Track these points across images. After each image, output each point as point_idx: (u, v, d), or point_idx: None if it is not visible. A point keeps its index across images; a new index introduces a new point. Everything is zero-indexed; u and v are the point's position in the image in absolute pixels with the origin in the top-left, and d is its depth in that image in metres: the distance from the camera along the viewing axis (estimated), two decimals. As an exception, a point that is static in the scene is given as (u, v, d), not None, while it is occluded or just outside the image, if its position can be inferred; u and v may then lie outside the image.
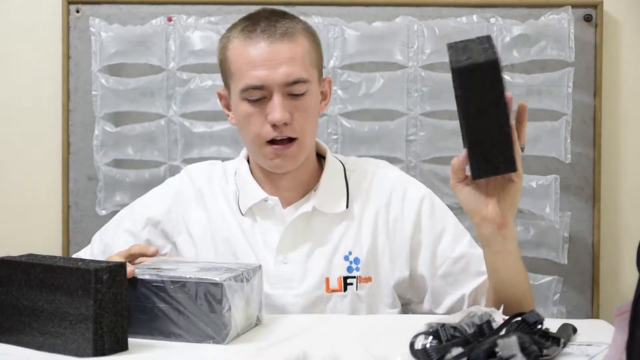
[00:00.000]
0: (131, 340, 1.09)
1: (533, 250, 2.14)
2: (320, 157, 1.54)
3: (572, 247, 2.14)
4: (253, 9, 2.13)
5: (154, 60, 2.14)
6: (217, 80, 2.12)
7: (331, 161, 1.52)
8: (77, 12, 2.18)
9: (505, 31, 2.12)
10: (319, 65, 1.46)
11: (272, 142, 1.40)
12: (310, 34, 1.44)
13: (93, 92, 2.13)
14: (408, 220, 1.48)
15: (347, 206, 1.47)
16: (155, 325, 1.10)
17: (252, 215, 1.48)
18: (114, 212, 2.17)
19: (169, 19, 2.14)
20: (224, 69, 1.44)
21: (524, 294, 1.32)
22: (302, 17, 2.10)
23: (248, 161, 1.53)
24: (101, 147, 2.14)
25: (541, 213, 2.08)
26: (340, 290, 1.43)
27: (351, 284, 1.44)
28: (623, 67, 2.21)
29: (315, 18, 2.13)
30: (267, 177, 1.48)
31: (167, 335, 1.10)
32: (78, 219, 2.20)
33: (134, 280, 1.11)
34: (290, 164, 1.43)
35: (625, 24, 2.20)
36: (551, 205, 2.07)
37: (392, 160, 2.12)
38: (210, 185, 1.52)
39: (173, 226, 1.51)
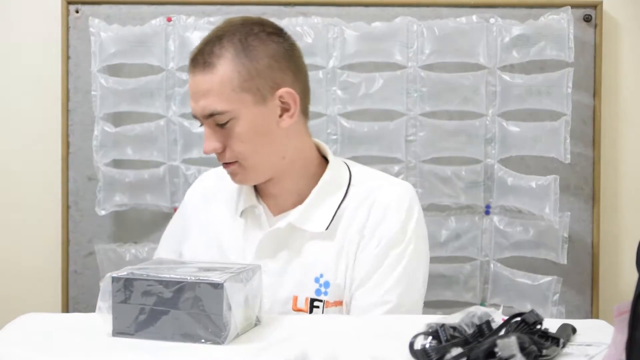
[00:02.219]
0: (131, 341, 1.09)
1: (532, 250, 2.14)
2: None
3: (572, 247, 2.14)
4: (253, 9, 2.15)
5: (154, 61, 2.14)
6: (216, 80, 2.13)
7: (334, 172, 1.46)
8: (77, 12, 2.18)
9: (504, 31, 2.12)
10: (259, 83, 1.37)
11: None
12: (244, 52, 1.36)
13: (92, 92, 2.13)
14: (372, 246, 1.42)
15: (327, 227, 1.42)
16: (155, 325, 1.10)
17: (246, 218, 1.49)
18: (114, 212, 2.18)
19: (169, 19, 2.14)
20: None
21: None
22: (301, 17, 2.14)
23: None
24: (101, 147, 2.13)
25: (541, 213, 2.08)
26: (306, 312, 1.39)
27: (317, 307, 1.39)
28: (622, 67, 2.21)
29: (315, 18, 2.13)
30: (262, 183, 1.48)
31: (167, 335, 1.10)
32: (77, 219, 2.20)
33: (134, 281, 1.11)
34: (241, 179, 1.44)
35: (624, 24, 2.20)
36: (550, 205, 2.07)
37: (392, 161, 2.12)
38: (216, 186, 1.55)
39: (185, 236, 1.55)
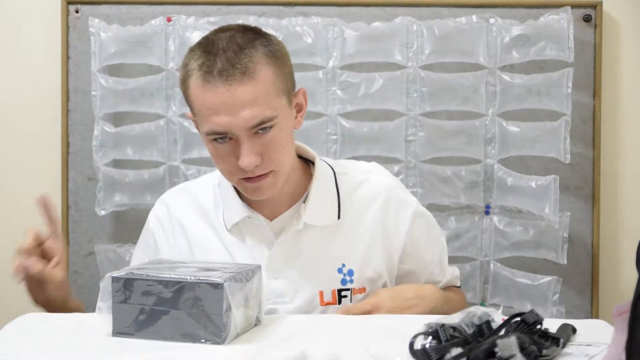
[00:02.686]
0: (131, 341, 1.09)
1: (532, 251, 2.14)
2: (309, 161, 1.48)
3: (572, 247, 2.15)
4: (253, 9, 2.15)
5: (153, 61, 2.14)
6: (216, 80, 2.13)
7: (321, 168, 1.46)
8: (77, 12, 2.18)
9: (504, 31, 2.12)
10: (288, 85, 1.35)
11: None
12: (274, 56, 1.32)
13: (92, 93, 2.13)
14: (401, 234, 1.46)
15: (338, 217, 1.43)
16: (155, 325, 1.10)
17: (238, 231, 1.43)
18: (113, 213, 2.18)
19: (169, 19, 2.14)
20: (187, 101, 1.35)
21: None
22: (301, 17, 2.14)
23: None
24: (100, 148, 2.14)
25: (540, 213, 2.09)
26: (335, 303, 1.40)
27: (345, 296, 1.41)
28: (622, 67, 2.21)
29: (315, 18, 2.13)
30: None
31: (167, 335, 1.10)
32: (77, 219, 2.20)
33: (134, 281, 1.11)
34: (269, 192, 1.36)
35: (624, 24, 2.20)
36: (550, 205, 2.07)
37: (392, 161, 2.12)
38: (183, 207, 1.48)
39: (162, 256, 1.47)
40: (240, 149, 1.29)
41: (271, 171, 1.34)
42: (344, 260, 1.42)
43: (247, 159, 1.29)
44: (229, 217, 1.43)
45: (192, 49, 1.35)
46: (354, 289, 1.42)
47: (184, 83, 1.33)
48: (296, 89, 1.39)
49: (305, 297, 1.40)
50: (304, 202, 1.42)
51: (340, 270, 1.42)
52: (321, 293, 1.40)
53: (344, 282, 1.41)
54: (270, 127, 1.30)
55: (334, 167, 1.49)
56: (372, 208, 1.45)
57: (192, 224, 1.47)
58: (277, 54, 1.33)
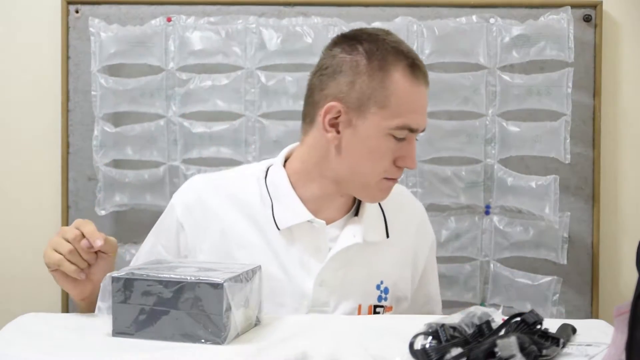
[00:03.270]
0: (130, 341, 1.09)
1: (532, 251, 2.14)
2: None
3: (572, 248, 2.15)
4: (253, 9, 2.15)
5: (154, 61, 2.14)
6: (216, 80, 2.13)
7: None
8: (77, 12, 2.18)
9: (504, 31, 2.12)
10: None
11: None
12: None
13: (92, 93, 2.13)
14: (423, 260, 1.51)
15: (387, 235, 1.44)
16: (155, 325, 1.10)
17: (289, 233, 1.37)
18: (113, 213, 2.18)
19: (169, 19, 2.14)
20: (369, 92, 1.31)
21: None
22: (301, 17, 2.14)
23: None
24: (100, 148, 2.13)
25: (540, 213, 2.09)
26: None
27: (378, 312, 1.40)
28: (622, 67, 2.21)
29: (315, 18, 2.13)
30: (315, 194, 1.38)
31: (167, 335, 1.10)
32: (77, 219, 2.20)
33: (134, 281, 1.11)
34: (388, 195, 1.41)
35: (624, 24, 2.20)
36: (550, 205, 2.07)
37: (392, 161, 2.12)
38: (221, 202, 1.39)
39: (188, 248, 1.41)
40: (411, 149, 1.34)
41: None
42: (382, 277, 1.42)
43: (415, 160, 1.36)
44: (284, 217, 1.37)
45: (380, 42, 1.34)
46: (386, 306, 1.43)
47: (381, 77, 1.32)
48: None
49: (346, 309, 1.39)
50: (355, 215, 1.43)
51: (378, 287, 1.42)
52: (360, 307, 1.40)
53: (379, 298, 1.42)
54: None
55: None
56: (409, 231, 1.48)
57: (231, 218, 1.38)
58: None
